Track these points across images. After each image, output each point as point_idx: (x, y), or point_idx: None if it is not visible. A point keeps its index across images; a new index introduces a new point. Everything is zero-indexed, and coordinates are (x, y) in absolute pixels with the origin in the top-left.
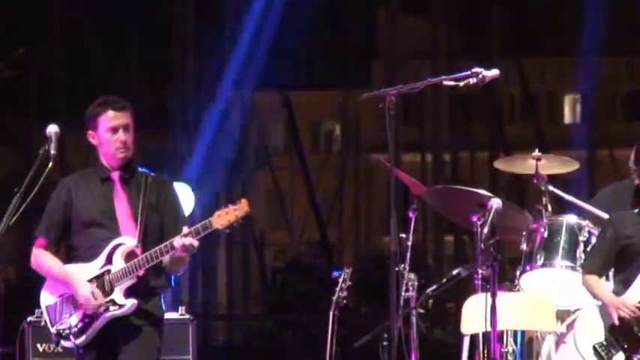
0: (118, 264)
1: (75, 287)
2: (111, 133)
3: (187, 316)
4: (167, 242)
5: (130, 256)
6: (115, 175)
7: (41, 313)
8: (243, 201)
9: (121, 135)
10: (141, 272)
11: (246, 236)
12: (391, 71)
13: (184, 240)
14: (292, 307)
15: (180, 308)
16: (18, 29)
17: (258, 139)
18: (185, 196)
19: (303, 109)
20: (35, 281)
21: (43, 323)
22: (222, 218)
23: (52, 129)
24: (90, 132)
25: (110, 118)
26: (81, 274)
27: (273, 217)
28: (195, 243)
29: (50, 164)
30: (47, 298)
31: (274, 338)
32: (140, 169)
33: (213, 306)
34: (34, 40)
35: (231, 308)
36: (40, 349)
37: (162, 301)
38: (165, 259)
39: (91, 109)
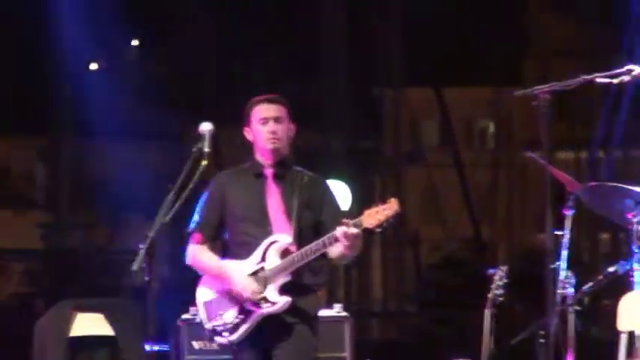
0: (273, 261)
1: (231, 277)
2: (261, 124)
3: (343, 314)
4: (330, 234)
5: (284, 253)
6: (269, 172)
7: (196, 310)
8: (393, 200)
9: (270, 126)
10: (295, 269)
11: (401, 233)
12: (543, 68)
13: (351, 230)
14: (446, 303)
15: (335, 306)
16: (169, 26)
17: (412, 136)
18: (341, 193)
19: (456, 106)
20: (189, 279)
21: (198, 320)
22: (372, 217)
23: (206, 127)
24: (246, 127)
25: (261, 110)
26: (237, 268)
27: (427, 213)
28: (357, 232)
29: (204, 162)
30: (204, 294)
31: (429, 335)
32: (296, 168)
33: (368, 303)
34: (185, 36)
35: (386, 305)
36: (196, 347)
37: (318, 298)
38: (334, 251)
39: (247, 105)
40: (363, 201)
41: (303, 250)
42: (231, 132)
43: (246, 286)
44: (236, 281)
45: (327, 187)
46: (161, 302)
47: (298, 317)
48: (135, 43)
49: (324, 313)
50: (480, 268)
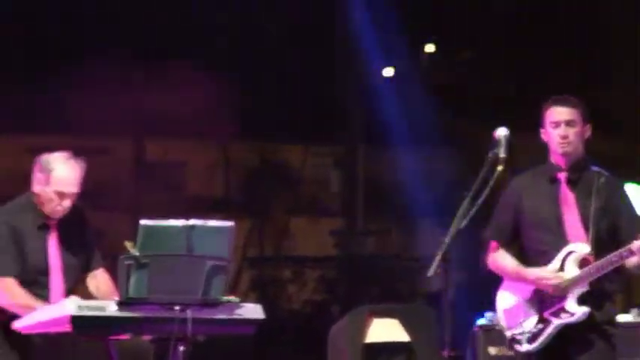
0: (572, 271)
1: (528, 275)
2: (553, 127)
3: None
4: (626, 247)
5: (582, 263)
6: (562, 176)
7: (492, 316)
8: None
9: (562, 129)
10: (594, 279)
11: None
12: None
13: None
14: None
15: (632, 311)
16: (466, 31)
17: None
18: (636, 197)
19: None
20: (484, 285)
21: (497, 326)
22: None
23: (502, 132)
24: (542, 129)
25: (553, 112)
26: (540, 269)
27: None
28: None
29: (499, 168)
30: (504, 301)
31: None
32: (593, 168)
33: None
34: (480, 40)
35: None
36: (492, 353)
37: (615, 305)
38: (629, 262)
39: (543, 107)
40: None
41: (599, 262)
42: (525, 138)
43: (549, 279)
44: (539, 276)
45: (623, 190)
46: (457, 308)
47: (597, 328)
48: (429, 48)
49: (620, 318)
50: None
